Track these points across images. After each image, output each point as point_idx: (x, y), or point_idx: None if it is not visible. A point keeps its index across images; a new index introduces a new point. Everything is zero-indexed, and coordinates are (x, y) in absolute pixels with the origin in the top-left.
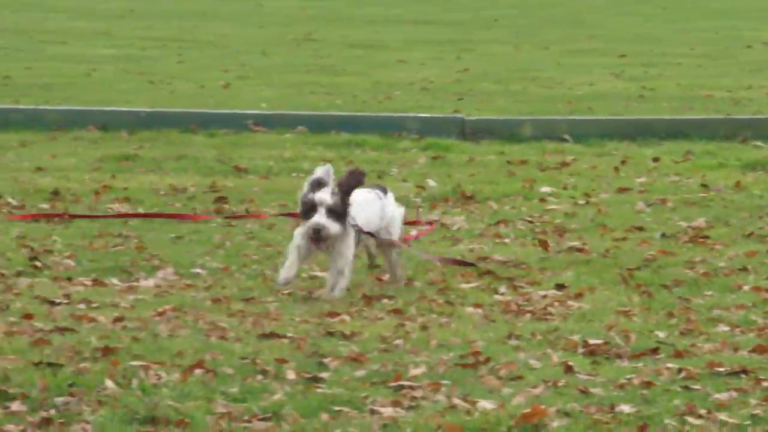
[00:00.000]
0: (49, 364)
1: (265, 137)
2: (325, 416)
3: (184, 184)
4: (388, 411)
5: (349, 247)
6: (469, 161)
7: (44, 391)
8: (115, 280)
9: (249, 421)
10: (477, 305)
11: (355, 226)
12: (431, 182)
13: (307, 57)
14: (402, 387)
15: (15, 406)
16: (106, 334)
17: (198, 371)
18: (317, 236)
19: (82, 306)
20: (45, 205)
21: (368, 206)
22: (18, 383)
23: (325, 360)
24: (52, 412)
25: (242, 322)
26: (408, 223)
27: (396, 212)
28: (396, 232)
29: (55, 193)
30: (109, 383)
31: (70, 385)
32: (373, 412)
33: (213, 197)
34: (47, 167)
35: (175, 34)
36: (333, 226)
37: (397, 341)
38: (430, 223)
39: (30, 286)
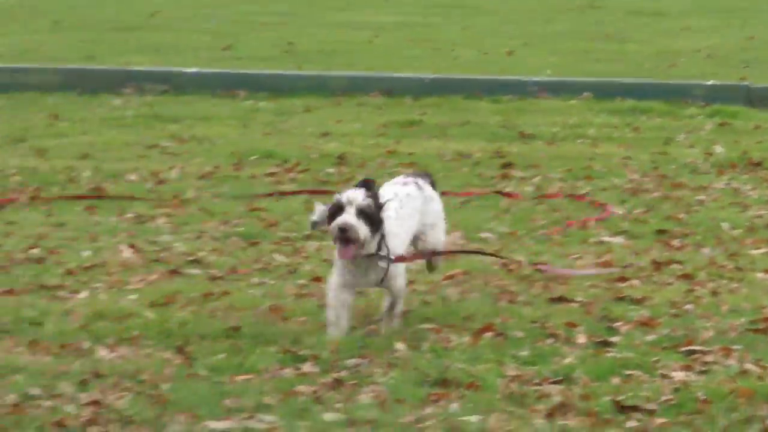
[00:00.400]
0: None
1: (549, 103)
2: (616, 380)
3: (470, 150)
4: (679, 375)
5: (400, 274)
6: (756, 128)
7: (335, 353)
8: None
9: (539, 384)
10: (767, 271)
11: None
12: (718, 149)
13: (590, 24)
14: (693, 352)
15: (306, 367)
16: None
17: (488, 334)
18: (344, 236)
19: None
20: (331, 170)
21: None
22: (309, 345)
23: (615, 324)
24: (344, 373)
25: (531, 287)
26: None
27: (439, 208)
28: (441, 235)
29: (341, 157)
30: (399, 346)
31: (362, 347)
32: (664, 376)
33: (499, 163)
34: (332, 132)
35: (458, 2)
36: (363, 228)
37: (687, 306)
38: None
39: (318, 249)
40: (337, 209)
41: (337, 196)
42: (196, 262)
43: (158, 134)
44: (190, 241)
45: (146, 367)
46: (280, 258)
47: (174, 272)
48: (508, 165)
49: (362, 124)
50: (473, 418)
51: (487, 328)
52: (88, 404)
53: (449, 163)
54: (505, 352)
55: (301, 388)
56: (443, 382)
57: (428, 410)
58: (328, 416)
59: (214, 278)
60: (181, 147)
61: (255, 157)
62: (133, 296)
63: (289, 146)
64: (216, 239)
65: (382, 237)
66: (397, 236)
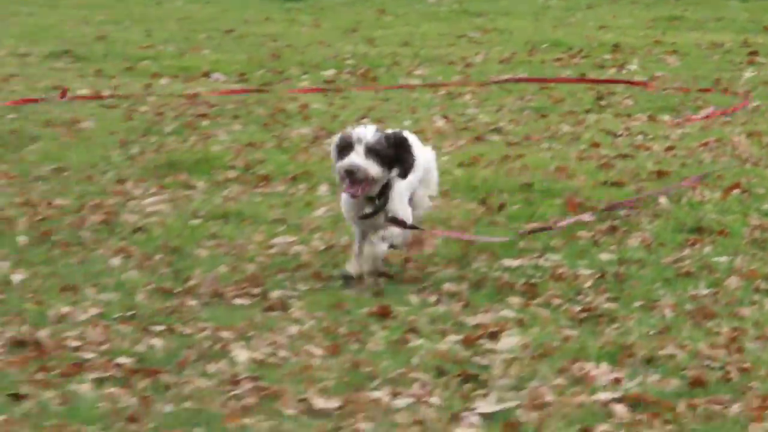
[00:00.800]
0: (613, 183)
1: None
2: None
3: (722, 40)
4: None
5: (402, 202)
6: None
7: (609, 203)
8: (666, 117)
9: None
10: None
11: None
12: None
13: None
14: None
15: (585, 217)
16: (659, 160)
17: (736, 191)
18: (352, 179)
19: (639, 137)
20: (607, 56)
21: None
22: (586, 196)
23: None
24: (617, 221)
25: None
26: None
27: (431, 158)
28: (434, 185)
29: (616, 46)
30: (662, 200)
31: (631, 200)
32: None
33: (746, 51)
34: (609, 25)
35: None
36: (373, 168)
37: None
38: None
39: (597, 120)
40: (346, 146)
41: (345, 131)
42: (497, 131)
43: (466, 26)
44: (492, 113)
45: (455, 215)
46: (565, 127)
47: (478, 138)
48: (753, 53)
49: (634, 19)
50: (722, 259)
51: (735, 186)
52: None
53: (704, 51)
54: (749, 206)
55: (582, 233)
56: (698, 230)
57: (686, 252)
58: (604, 256)
59: (511, 144)
60: (485, 37)
61: (545, 45)
62: (445, 158)
63: (573, 36)
64: (513, 112)
65: (388, 187)
66: (401, 194)
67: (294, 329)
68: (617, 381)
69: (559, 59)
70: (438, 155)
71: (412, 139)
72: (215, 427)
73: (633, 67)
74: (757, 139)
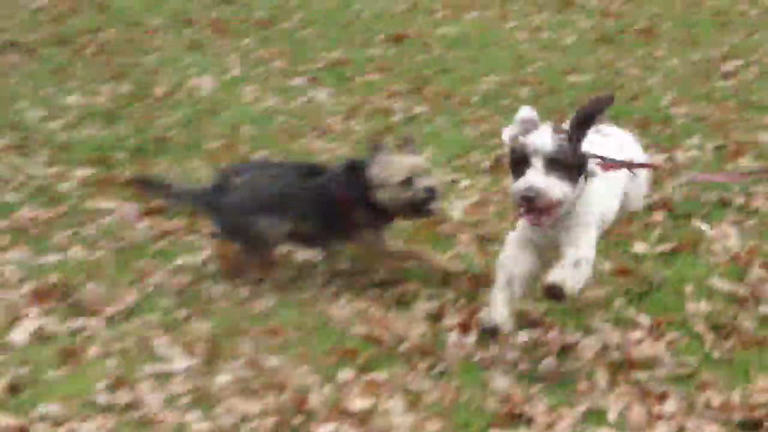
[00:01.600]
0: None
1: None
2: None
3: None
4: None
5: (590, 224)
6: None
7: None
8: None
9: None
10: None
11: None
12: None
13: None
14: None
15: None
16: None
17: None
18: (531, 206)
19: None
20: None
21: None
22: None
23: None
24: None
25: None
26: None
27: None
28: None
29: None
30: None
31: None
32: None
33: None
34: None
35: None
36: (556, 189)
37: None
38: None
39: None
40: (521, 159)
41: (520, 141)
42: None
43: None
44: None
45: None
46: None
47: None
48: None
49: None
50: None
51: None
52: None
53: None
54: None
55: None
56: None
57: None
58: None
59: None
60: None
61: None
62: None
63: None
64: None
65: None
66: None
67: None
68: None
69: None
70: None
71: (624, 138)
72: None
73: None
74: None
